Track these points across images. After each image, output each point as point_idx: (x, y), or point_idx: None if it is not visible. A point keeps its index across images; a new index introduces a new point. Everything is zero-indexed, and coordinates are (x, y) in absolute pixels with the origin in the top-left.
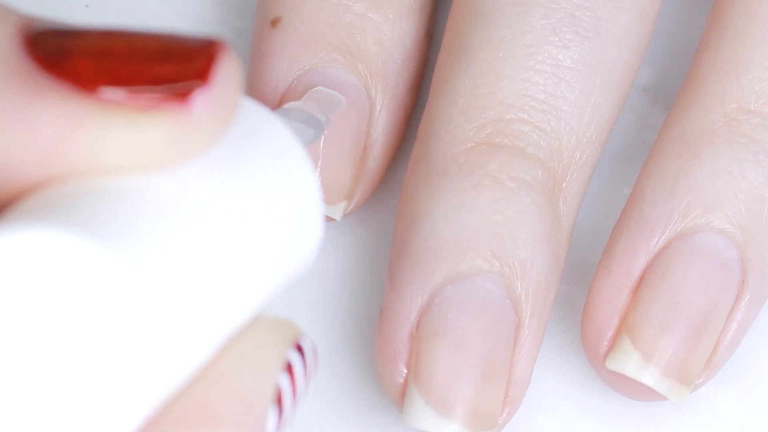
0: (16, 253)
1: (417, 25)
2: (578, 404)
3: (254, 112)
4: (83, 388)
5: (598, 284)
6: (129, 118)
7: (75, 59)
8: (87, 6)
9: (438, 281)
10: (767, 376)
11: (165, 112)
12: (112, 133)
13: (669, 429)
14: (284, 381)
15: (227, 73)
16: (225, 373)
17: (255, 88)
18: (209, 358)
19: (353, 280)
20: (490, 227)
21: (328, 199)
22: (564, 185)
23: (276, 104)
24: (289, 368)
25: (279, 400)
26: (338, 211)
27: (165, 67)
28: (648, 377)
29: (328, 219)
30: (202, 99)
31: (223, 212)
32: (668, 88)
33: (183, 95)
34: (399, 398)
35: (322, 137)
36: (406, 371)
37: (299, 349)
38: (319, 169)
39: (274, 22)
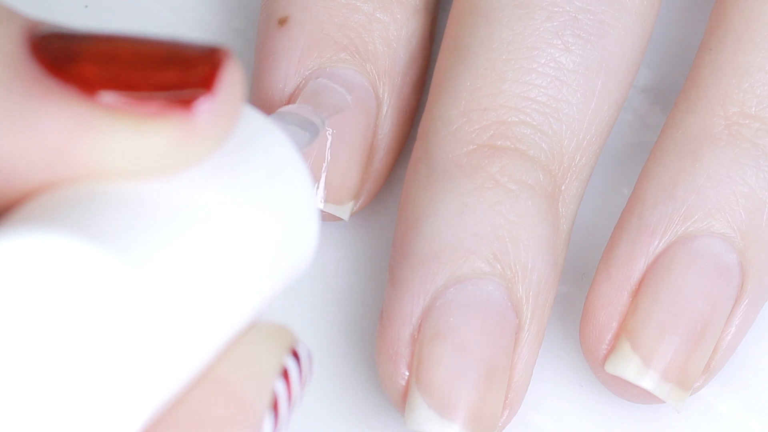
0: (19, 257)
1: (422, 25)
2: (576, 405)
3: (252, 117)
4: (85, 391)
5: (597, 287)
6: (132, 123)
7: (80, 63)
8: (86, 6)
9: (440, 283)
10: (766, 377)
11: (168, 119)
12: (116, 138)
13: (668, 429)
14: (280, 386)
15: (231, 81)
16: (222, 378)
17: (262, 88)
18: (208, 363)
19: (353, 281)
20: (492, 230)
21: (336, 199)
22: (563, 188)
23: (284, 103)
24: (285, 374)
25: (275, 406)
26: (346, 211)
27: (169, 73)
28: (647, 381)
29: (336, 219)
30: (206, 107)
31: (223, 217)
32: (667, 89)
33: (187, 102)
34: (400, 400)
35: (328, 138)
36: (407, 373)
37: (295, 355)
38: (326, 170)
39: (282, 22)
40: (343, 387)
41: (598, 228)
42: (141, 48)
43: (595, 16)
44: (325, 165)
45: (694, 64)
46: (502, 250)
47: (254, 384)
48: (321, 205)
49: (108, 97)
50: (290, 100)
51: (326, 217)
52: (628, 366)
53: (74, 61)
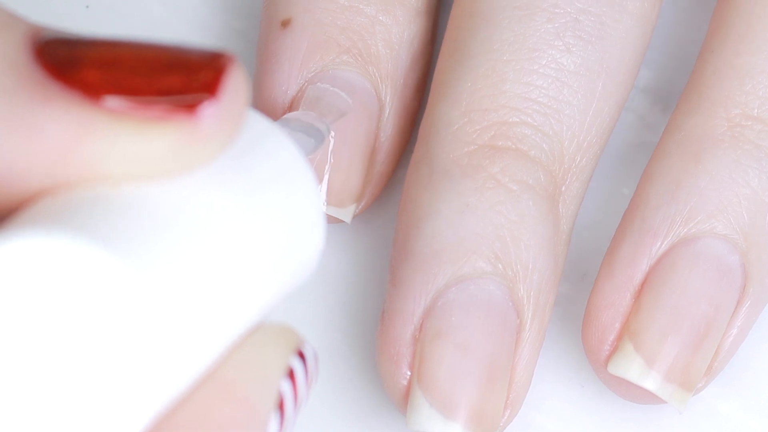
0: (23, 259)
1: (424, 27)
2: (577, 404)
3: (257, 122)
4: (89, 392)
5: (600, 288)
6: (136, 128)
7: (83, 68)
8: (87, 7)
9: (441, 283)
10: (766, 378)
11: (172, 124)
12: (119, 142)
13: (668, 430)
14: (286, 387)
15: (235, 86)
16: (228, 379)
17: (264, 90)
18: (213, 364)
19: (355, 281)
20: (493, 230)
21: (338, 202)
22: (564, 188)
23: (286, 106)
24: (291, 374)
25: (281, 406)
26: (348, 214)
27: (173, 78)
28: (650, 382)
29: (338, 221)
30: (210, 111)
31: (227, 221)
32: (668, 89)
33: (191, 107)
34: (402, 400)
35: (331, 141)
36: (409, 373)
37: (301, 355)
38: (329, 172)
39: (285, 23)
40: (344, 387)
41: (598, 228)
42: (144, 53)
43: (596, 17)
44: (327, 167)
45: (696, 66)
46: (504, 249)
47: (260, 385)
48: (323, 208)
49: (112, 101)
50: (292, 103)
51: (328, 220)
52: (630, 367)
53: (78, 66)
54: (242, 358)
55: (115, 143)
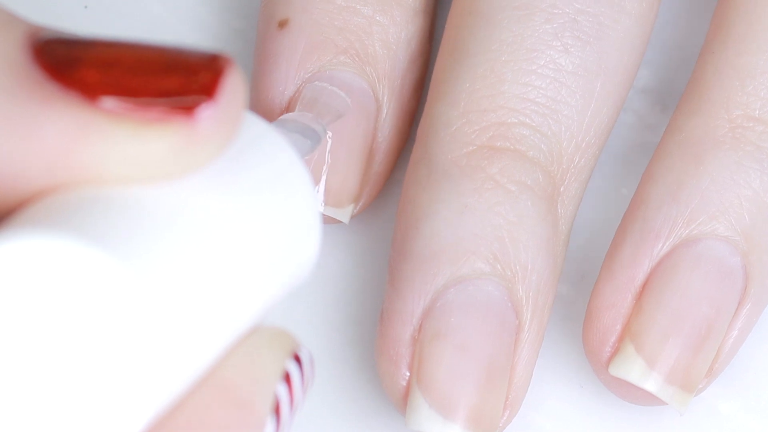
0: (21, 259)
1: (422, 27)
2: (576, 405)
3: (254, 124)
4: (87, 394)
5: (601, 289)
6: (134, 129)
7: (82, 69)
8: (86, 7)
9: (440, 284)
10: (767, 378)
11: (170, 125)
12: (118, 143)
13: (668, 430)
14: (282, 391)
15: (233, 88)
16: (225, 382)
17: (261, 90)
18: (209, 366)
19: (353, 282)
20: (492, 230)
21: (336, 202)
22: (562, 189)
23: (284, 106)
24: (287, 378)
25: (277, 410)
26: (346, 214)
27: (171, 80)
28: (651, 384)
29: (336, 222)
30: (208, 114)
31: (224, 223)
32: (667, 90)
33: (188, 109)
34: (401, 401)
35: (328, 142)
36: (408, 374)
37: (297, 359)
38: (326, 173)
39: (282, 24)
40: (343, 388)
41: (597, 229)
42: (143, 54)
43: (594, 18)
44: (324, 168)
45: (697, 67)
46: (502, 250)
47: (256, 388)
48: (321, 209)
49: (110, 102)
50: (290, 103)
51: (326, 220)
52: (632, 368)
53: (76, 67)
54: (239, 361)
55: (113, 144)
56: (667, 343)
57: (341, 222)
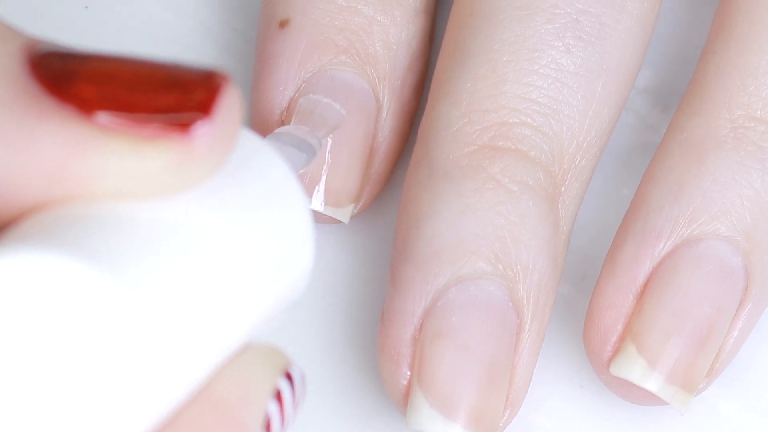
0: (14, 275)
1: (422, 27)
2: (577, 405)
3: (249, 140)
4: (78, 410)
5: (602, 289)
6: (130, 145)
7: (79, 83)
8: (86, 7)
9: (441, 283)
10: (767, 378)
11: (166, 142)
12: (113, 159)
13: (669, 430)
14: (273, 408)
15: (229, 106)
16: (216, 399)
17: (262, 90)
18: (201, 383)
19: (354, 282)
20: (493, 230)
21: (336, 202)
22: (563, 189)
23: (284, 106)
24: (278, 396)
25: (268, 428)
26: (346, 214)
27: (168, 96)
28: (652, 384)
29: (337, 222)
30: (203, 131)
31: (218, 240)
32: (668, 90)
33: (184, 126)
34: (402, 400)
35: (328, 142)
36: (409, 373)
37: (288, 377)
38: (326, 173)
39: (283, 24)
40: (344, 387)
41: (598, 229)
42: (140, 70)
43: (596, 18)
44: (325, 168)
45: (698, 67)
46: (504, 250)
47: (248, 405)
48: (321, 209)
49: (106, 117)
50: (290, 104)
51: (326, 220)
52: (633, 368)
53: (73, 81)
54: (230, 379)
55: (109, 160)
56: (668, 343)
57: (341, 222)
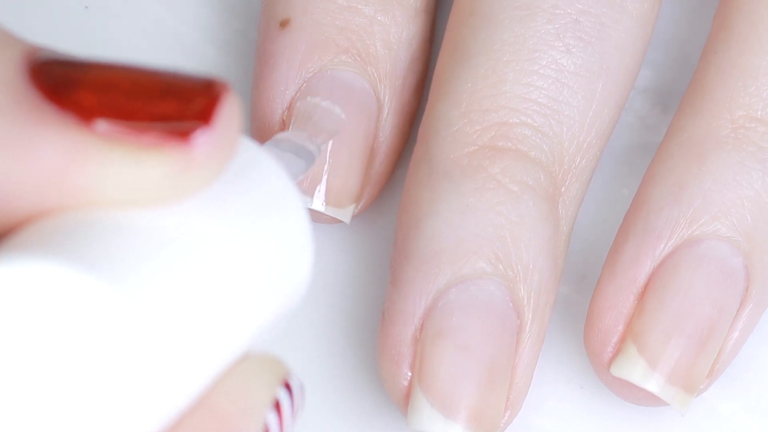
0: (13, 284)
1: (423, 27)
2: (577, 405)
3: (248, 148)
4: (76, 419)
5: (602, 289)
6: (130, 153)
7: (78, 91)
8: (86, 7)
9: (442, 283)
10: (767, 378)
11: (166, 150)
12: (112, 167)
13: (669, 430)
14: (272, 418)
15: (228, 114)
16: (215, 408)
17: (263, 90)
18: (200, 392)
19: (355, 282)
20: (494, 230)
21: (337, 202)
22: (563, 189)
23: (285, 106)
24: (277, 406)
25: None
26: (347, 214)
27: (167, 104)
28: (653, 384)
29: (337, 221)
30: (203, 139)
31: (217, 248)
32: (668, 90)
33: (184, 134)
34: (403, 401)
35: (328, 145)
36: (410, 373)
37: (287, 387)
38: (327, 173)
39: (284, 24)
40: (344, 387)
41: (598, 229)
42: (140, 78)
43: (596, 18)
44: (326, 168)
45: (699, 67)
46: (504, 250)
47: (246, 415)
48: (322, 208)
49: (105, 125)
50: (291, 104)
51: (327, 220)
52: (634, 369)
53: (73, 89)
54: (229, 388)
55: (108, 168)
56: (669, 344)
57: (342, 222)
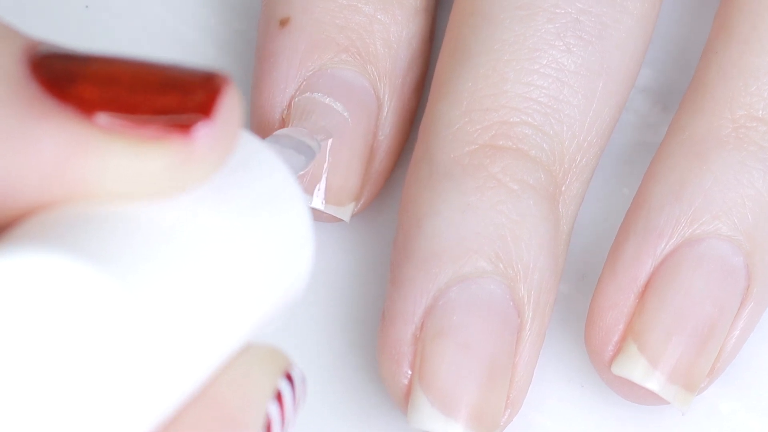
0: (15, 276)
1: (423, 26)
2: (577, 404)
3: (248, 142)
4: (78, 410)
5: (603, 288)
6: (131, 146)
7: (79, 84)
8: (87, 6)
9: (442, 282)
10: (767, 378)
11: (167, 143)
12: (113, 160)
13: (669, 429)
14: (274, 409)
15: (229, 107)
16: (216, 399)
17: (263, 89)
18: (202, 383)
19: (355, 281)
20: (494, 229)
21: (337, 201)
22: (564, 188)
23: (285, 105)
24: (278, 397)
25: (268, 429)
26: (347, 213)
27: (168, 97)
28: (654, 383)
29: (337, 220)
30: (204, 132)
31: (218, 241)
32: (668, 89)
33: (185, 127)
34: (403, 400)
35: (329, 140)
36: (410, 372)
37: (289, 378)
38: (327, 171)
39: (283, 23)
40: (344, 386)
41: (599, 228)
42: (141, 71)
43: (596, 17)
44: (325, 166)
45: (699, 67)
46: (504, 249)
47: (248, 406)
48: (322, 207)
49: (106, 118)
50: (291, 103)
51: (327, 219)
52: (635, 368)
53: (73, 82)
54: (231, 379)
55: (109, 161)
56: (669, 343)
57: (342, 220)
